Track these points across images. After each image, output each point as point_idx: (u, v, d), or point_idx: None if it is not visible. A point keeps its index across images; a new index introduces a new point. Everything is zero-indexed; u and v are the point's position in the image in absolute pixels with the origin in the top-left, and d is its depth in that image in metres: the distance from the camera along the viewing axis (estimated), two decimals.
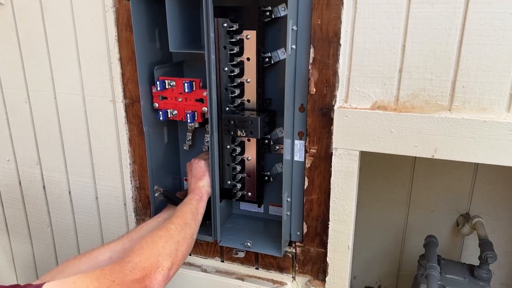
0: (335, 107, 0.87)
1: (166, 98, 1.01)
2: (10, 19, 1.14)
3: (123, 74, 1.06)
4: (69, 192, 1.26)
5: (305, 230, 1.01)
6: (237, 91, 0.97)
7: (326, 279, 1.00)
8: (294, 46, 0.86)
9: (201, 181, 1.01)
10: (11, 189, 1.35)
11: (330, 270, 0.99)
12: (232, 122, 0.95)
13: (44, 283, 0.61)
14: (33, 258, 1.44)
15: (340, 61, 0.84)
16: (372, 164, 1.40)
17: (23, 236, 1.41)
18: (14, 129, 1.26)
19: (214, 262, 1.14)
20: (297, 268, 1.05)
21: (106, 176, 1.18)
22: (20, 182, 1.33)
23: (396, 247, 1.56)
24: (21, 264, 1.49)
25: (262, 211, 1.16)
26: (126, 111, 1.10)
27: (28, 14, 1.11)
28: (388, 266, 1.59)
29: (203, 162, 1.04)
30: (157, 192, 1.02)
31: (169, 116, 1.02)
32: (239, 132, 0.95)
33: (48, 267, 1.40)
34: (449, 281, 1.17)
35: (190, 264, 1.16)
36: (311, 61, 0.86)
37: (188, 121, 0.99)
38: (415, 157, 1.37)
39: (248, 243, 1.03)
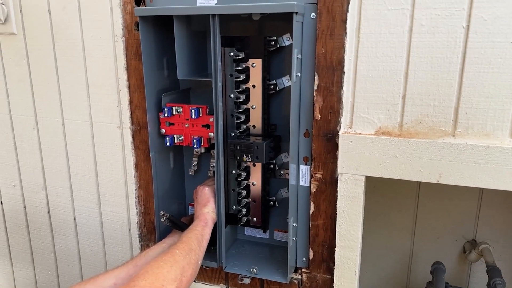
0: (340, 133, 0.88)
1: (173, 124, 1.03)
2: (22, 48, 1.17)
3: (131, 101, 1.09)
4: (74, 218, 1.26)
5: (311, 256, 1.00)
6: (243, 117, 0.99)
7: None
8: (299, 74, 0.89)
9: (205, 207, 1.01)
10: (16, 215, 1.36)
11: None
12: (238, 147, 0.96)
13: None
14: (36, 285, 1.43)
15: (344, 88, 0.86)
16: (376, 190, 1.40)
17: (26, 262, 1.40)
18: (21, 154, 1.28)
19: None
20: None
21: (111, 202, 1.19)
22: (25, 208, 1.33)
23: (402, 274, 1.54)
24: None
25: (267, 237, 1.16)
26: (133, 137, 1.11)
27: (40, 44, 1.14)
28: None
29: (207, 188, 1.05)
30: (163, 217, 1.02)
31: (175, 141, 1.03)
32: (244, 157, 0.96)
33: None
34: None
35: None
36: (315, 88, 0.88)
37: (195, 146, 1.01)
38: (420, 182, 1.38)
39: (254, 269, 1.02)
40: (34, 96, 1.20)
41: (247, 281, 1.05)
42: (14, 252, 1.42)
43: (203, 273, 1.14)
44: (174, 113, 1.01)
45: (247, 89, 0.98)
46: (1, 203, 1.37)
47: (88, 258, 1.28)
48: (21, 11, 1.14)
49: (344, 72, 0.85)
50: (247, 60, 0.95)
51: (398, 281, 1.55)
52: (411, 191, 1.41)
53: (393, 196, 1.43)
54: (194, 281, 1.15)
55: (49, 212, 1.29)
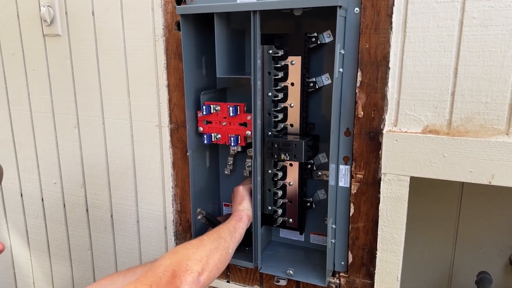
0: (384, 131, 0.85)
1: (210, 122, 1.03)
2: (66, 49, 1.21)
3: (170, 100, 1.10)
4: (111, 216, 1.28)
5: (350, 259, 0.97)
6: (280, 116, 0.98)
7: None
8: (341, 70, 0.87)
9: (240, 205, 1.00)
10: (56, 211, 1.39)
11: None
12: (276, 146, 0.94)
13: None
14: (72, 281, 1.46)
15: (389, 84, 0.83)
16: (415, 196, 1.35)
17: (64, 258, 1.44)
18: (62, 152, 1.32)
19: None
20: None
21: (148, 200, 1.20)
22: (64, 205, 1.37)
23: (443, 285, 1.47)
24: (60, 286, 1.50)
25: (303, 240, 1.13)
26: (171, 135, 1.12)
27: (83, 45, 1.18)
28: None
29: (241, 187, 1.04)
30: (200, 215, 1.02)
31: (213, 140, 1.03)
32: (282, 156, 0.94)
33: None
34: None
35: None
36: (358, 84, 0.86)
37: (232, 144, 1.00)
38: (462, 188, 1.31)
39: (290, 271, 0.99)
40: (76, 95, 1.23)
41: (283, 282, 1.03)
42: (53, 248, 1.46)
43: (238, 274, 1.13)
44: (212, 111, 1.01)
45: (285, 87, 0.97)
46: (42, 199, 1.41)
47: (124, 256, 1.29)
48: (66, 13, 1.18)
49: (389, 68, 0.82)
50: (286, 58, 0.94)
51: None
52: (452, 196, 1.35)
53: (434, 202, 1.37)
54: (228, 282, 1.14)
55: (87, 210, 1.32)
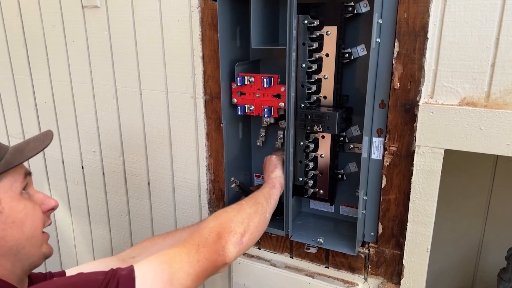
0: (420, 103, 0.84)
1: (244, 94, 1.05)
2: (104, 20, 1.24)
3: (204, 72, 1.12)
4: (148, 183, 1.34)
5: (380, 230, 0.98)
6: (314, 88, 0.98)
7: (401, 282, 0.97)
8: (378, 40, 0.86)
9: (273, 173, 1.03)
10: (95, 179, 1.47)
11: (405, 273, 0.96)
12: (309, 117, 0.96)
13: (132, 265, 0.66)
14: (111, 244, 1.55)
15: (427, 55, 0.82)
16: (447, 170, 1.34)
17: (103, 223, 1.52)
18: (101, 122, 1.37)
19: (283, 258, 1.15)
20: (369, 269, 1.03)
21: (183, 169, 1.25)
22: (103, 173, 1.44)
23: (471, 260, 1.46)
24: (99, 250, 1.60)
25: (332, 211, 1.15)
26: (205, 106, 1.15)
27: (121, 16, 1.21)
28: (461, 280, 1.50)
29: (274, 156, 1.06)
30: (234, 184, 1.06)
31: (246, 111, 1.05)
32: (315, 127, 0.95)
33: None
34: None
35: (259, 258, 1.18)
36: (395, 55, 0.85)
37: (265, 115, 1.02)
38: (496, 162, 1.29)
39: (320, 240, 1.02)
40: (114, 66, 1.27)
41: (313, 250, 1.06)
42: (93, 213, 1.54)
43: (269, 241, 1.17)
44: (246, 83, 1.03)
45: (320, 58, 0.97)
46: (82, 167, 1.49)
47: (160, 222, 1.36)
48: None
49: (428, 38, 0.81)
50: (322, 28, 0.94)
51: (466, 268, 1.48)
52: (486, 171, 1.32)
53: (466, 176, 1.35)
54: (259, 249, 1.19)
55: (125, 177, 1.39)
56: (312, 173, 1.06)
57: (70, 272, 0.85)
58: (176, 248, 0.72)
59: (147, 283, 0.64)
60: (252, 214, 0.86)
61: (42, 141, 0.76)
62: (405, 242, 0.94)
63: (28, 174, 0.74)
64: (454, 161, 1.25)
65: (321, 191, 1.07)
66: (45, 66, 1.43)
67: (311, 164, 1.05)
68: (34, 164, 1.60)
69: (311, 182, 1.06)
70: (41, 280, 0.78)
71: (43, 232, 0.74)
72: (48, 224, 0.75)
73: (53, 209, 0.75)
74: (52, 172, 1.59)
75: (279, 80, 1.00)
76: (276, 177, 1.01)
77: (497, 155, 1.23)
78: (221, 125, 1.11)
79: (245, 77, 1.02)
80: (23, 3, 1.40)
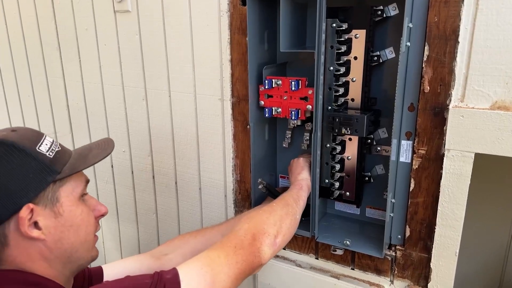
0: (450, 107, 0.84)
1: (271, 96, 1.07)
2: (135, 25, 1.28)
3: (232, 75, 1.14)
4: (176, 182, 1.37)
5: (407, 233, 0.98)
6: (341, 90, 0.99)
7: (429, 285, 0.97)
8: (408, 43, 0.86)
9: (300, 175, 1.04)
10: (124, 178, 1.52)
11: (433, 276, 0.95)
12: (336, 120, 0.96)
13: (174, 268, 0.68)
14: (138, 242, 1.59)
15: (458, 59, 0.82)
16: (476, 171, 1.32)
17: (131, 221, 1.57)
18: (131, 123, 1.42)
19: (308, 259, 1.16)
20: (396, 272, 1.03)
21: (210, 169, 1.27)
22: (132, 171, 1.48)
23: (498, 264, 1.44)
24: (127, 246, 1.65)
25: (358, 213, 1.16)
26: (232, 108, 1.17)
27: (151, 20, 1.24)
28: (487, 285, 1.48)
29: (301, 159, 1.08)
30: (261, 185, 1.08)
31: (273, 113, 1.07)
32: (343, 130, 0.96)
33: None
34: None
35: (284, 258, 1.19)
36: (425, 58, 0.85)
37: (292, 118, 1.03)
38: None
39: (347, 242, 1.03)
40: (145, 69, 1.31)
41: (339, 252, 1.07)
42: (121, 211, 1.59)
43: (294, 242, 1.18)
44: (273, 86, 1.04)
45: (348, 61, 0.98)
46: (112, 166, 1.54)
47: (186, 220, 1.39)
48: None
49: (459, 42, 0.81)
50: (350, 31, 0.94)
51: (493, 272, 1.45)
52: None
53: (494, 181, 1.33)
54: (284, 249, 1.20)
55: (153, 176, 1.43)
56: (338, 175, 1.07)
57: (106, 268, 0.88)
58: (215, 250, 0.74)
59: (192, 287, 0.66)
60: (283, 216, 0.88)
61: (104, 149, 0.80)
62: (433, 246, 0.94)
63: (87, 181, 0.77)
64: (482, 165, 1.23)
65: (348, 193, 1.08)
66: (78, 68, 1.48)
67: (338, 166, 1.06)
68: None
69: (337, 184, 1.07)
70: (80, 278, 0.82)
71: (94, 235, 0.77)
72: (98, 230, 0.78)
73: (103, 215, 0.78)
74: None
75: (306, 83, 1.02)
76: (303, 179, 1.02)
77: None
78: (248, 127, 1.13)
79: (273, 80, 1.04)
80: (58, 8, 1.46)
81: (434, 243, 0.93)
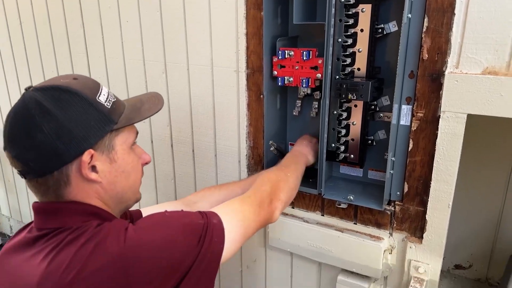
0: (446, 73, 0.94)
1: (284, 66, 1.17)
2: (156, 2, 1.38)
3: (247, 48, 1.24)
4: (193, 150, 1.48)
5: (405, 189, 1.09)
6: (348, 60, 1.09)
7: (424, 235, 1.08)
8: (409, 16, 0.96)
9: (299, 147, 1.21)
10: (145, 147, 1.60)
11: (428, 227, 1.07)
12: (344, 86, 1.07)
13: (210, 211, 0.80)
14: None
15: (454, 29, 0.91)
16: (469, 143, 1.41)
17: (150, 187, 1.69)
18: None
19: (315, 216, 1.28)
20: (394, 225, 1.15)
21: (225, 137, 1.38)
22: (152, 141, 1.59)
23: (490, 231, 1.54)
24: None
25: (361, 175, 1.27)
26: (247, 79, 1.27)
27: None
28: (479, 248, 1.58)
29: (309, 136, 1.23)
30: (272, 147, 1.19)
31: (286, 82, 1.17)
32: (350, 96, 1.06)
33: None
34: None
35: (293, 216, 1.31)
36: (424, 29, 0.95)
37: (303, 86, 1.14)
38: None
39: (351, 197, 1.14)
40: (165, 44, 1.41)
41: (344, 205, 1.18)
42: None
43: (302, 201, 1.29)
44: (286, 56, 1.14)
45: (355, 33, 1.07)
46: None
47: (203, 184, 1.50)
48: None
49: (455, 14, 0.90)
50: (357, 6, 1.04)
51: (485, 236, 1.55)
52: (507, 144, 1.39)
53: (487, 150, 1.42)
54: (293, 208, 1.32)
55: (172, 145, 1.54)
56: (344, 139, 1.17)
57: (144, 211, 1.00)
58: (246, 205, 0.86)
59: (231, 236, 0.77)
60: (295, 187, 1.05)
61: (155, 104, 0.88)
62: (429, 199, 1.05)
63: (137, 132, 0.84)
64: (476, 133, 1.33)
65: (352, 156, 1.19)
66: (101, 45, 1.58)
67: (343, 131, 1.16)
68: None
69: (342, 148, 1.18)
70: (123, 217, 0.92)
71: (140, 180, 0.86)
72: (142, 175, 0.86)
73: (147, 163, 0.86)
74: None
75: (317, 53, 1.12)
76: (302, 152, 1.18)
77: None
78: (261, 96, 1.24)
79: (286, 51, 1.14)
80: None
81: (429, 197, 1.05)
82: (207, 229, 0.73)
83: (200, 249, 0.70)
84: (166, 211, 0.77)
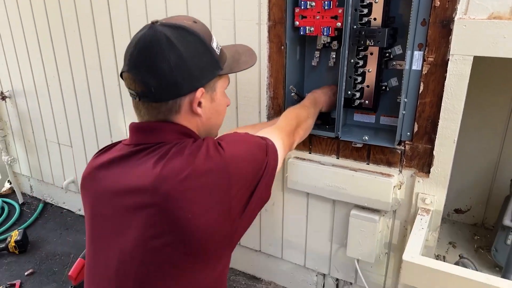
0: (455, 19, 1.04)
1: (305, 17, 1.26)
2: None
3: (269, 0, 1.33)
4: None
5: (415, 129, 1.21)
6: (365, 10, 1.19)
7: (431, 169, 1.21)
8: None
9: (317, 92, 1.32)
10: None
11: (435, 161, 1.19)
12: (362, 33, 1.17)
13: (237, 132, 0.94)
14: None
15: None
16: (471, 93, 1.51)
17: None
18: None
19: (330, 159, 1.40)
20: (404, 163, 1.27)
21: (246, 89, 1.48)
22: None
23: (489, 176, 1.66)
24: None
25: (374, 121, 1.39)
26: (268, 31, 1.37)
27: None
28: (478, 193, 1.70)
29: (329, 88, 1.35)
30: (293, 92, 1.30)
31: (307, 32, 1.27)
32: (367, 42, 1.17)
33: None
34: None
35: (310, 160, 1.43)
36: None
37: (324, 34, 1.23)
38: None
39: (365, 137, 1.26)
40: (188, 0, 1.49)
41: (359, 145, 1.30)
42: None
43: (318, 146, 1.41)
44: (308, 7, 1.24)
45: None
46: None
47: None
48: None
49: None
50: None
51: (483, 182, 1.68)
52: (506, 95, 1.49)
53: (486, 100, 1.52)
54: (310, 153, 1.44)
55: None
56: (360, 86, 1.29)
57: None
58: (282, 134, 1.01)
59: (279, 156, 0.92)
60: (309, 128, 1.21)
61: (251, 57, 0.99)
62: (436, 137, 1.17)
63: (229, 79, 0.95)
64: (479, 77, 1.42)
65: (367, 102, 1.30)
66: (123, 3, 1.66)
67: (359, 78, 1.27)
68: (110, 88, 1.87)
69: (358, 94, 1.29)
70: None
71: None
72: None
73: (228, 105, 0.98)
74: (127, 97, 1.86)
75: (337, 3, 1.21)
76: (324, 102, 1.30)
77: None
78: (282, 47, 1.33)
79: (308, 2, 1.23)
80: None
81: (437, 135, 1.17)
82: (267, 147, 0.88)
83: (267, 160, 0.86)
84: (236, 132, 0.92)
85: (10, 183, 2.64)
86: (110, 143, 0.93)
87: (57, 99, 2.13)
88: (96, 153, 0.90)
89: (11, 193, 2.66)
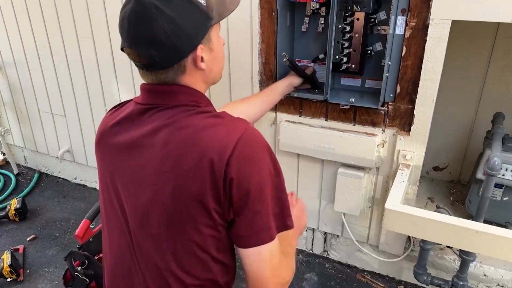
0: None
1: None
2: None
3: None
4: None
5: (398, 91, 1.31)
6: None
7: (412, 128, 1.32)
8: None
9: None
10: None
11: (415, 120, 1.30)
12: None
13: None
14: None
15: None
16: (449, 56, 1.61)
17: None
18: None
19: (319, 121, 1.50)
20: (387, 123, 1.37)
21: (238, 54, 1.54)
22: None
23: (464, 135, 1.78)
24: None
25: (359, 85, 1.48)
26: None
27: None
28: (455, 151, 1.83)
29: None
30: (285, 58, 1.36)
31: None
32: (354, 8, 1.24)
33: None
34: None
35: (300, 123, 1.52)
36: None
37: (314, 0, 1.30)
38: (492, 50, 1.57)
39: (352, 99, 1.36)
40: None
41: (346, 107, 1.40)
42: None
43: (308, 109, 1.50)
44: None
45: None
46: None
47: (217, 102, 1.67)
48: None
49: None
50: None
51: (459, 145, 1.81)
52: (481, 61, 1.59)
53: (462, 66, 1.62)
54: (300, 116, 1.52)
55: None
56: (346, 51, 1.36)
57: None
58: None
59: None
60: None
61: None
62: (417, 97, 1.27)
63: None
64: (456, 41, 1.51)
65: (353, 66, 1.38)
66: None
67: (346, 43, 1.35)
68: (102, 55, 1.90)
69: (345, 59, 1.37)
70: None
71: None
72: None
73: (224, 44, 0.98)
74: (120, 66, 1.89)
75: None
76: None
77: (495, 37, 1.52)
78: (273, 13, 1.39)
79: None
80: None
81: (418, 95, 1.26)
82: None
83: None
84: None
85: (4, 154, 2.68)
86: (104, 111, 0.97)
87: (49, 69, 2.15)
88: (109, 110, 0.96)
89: (5, 164, 2.70)
